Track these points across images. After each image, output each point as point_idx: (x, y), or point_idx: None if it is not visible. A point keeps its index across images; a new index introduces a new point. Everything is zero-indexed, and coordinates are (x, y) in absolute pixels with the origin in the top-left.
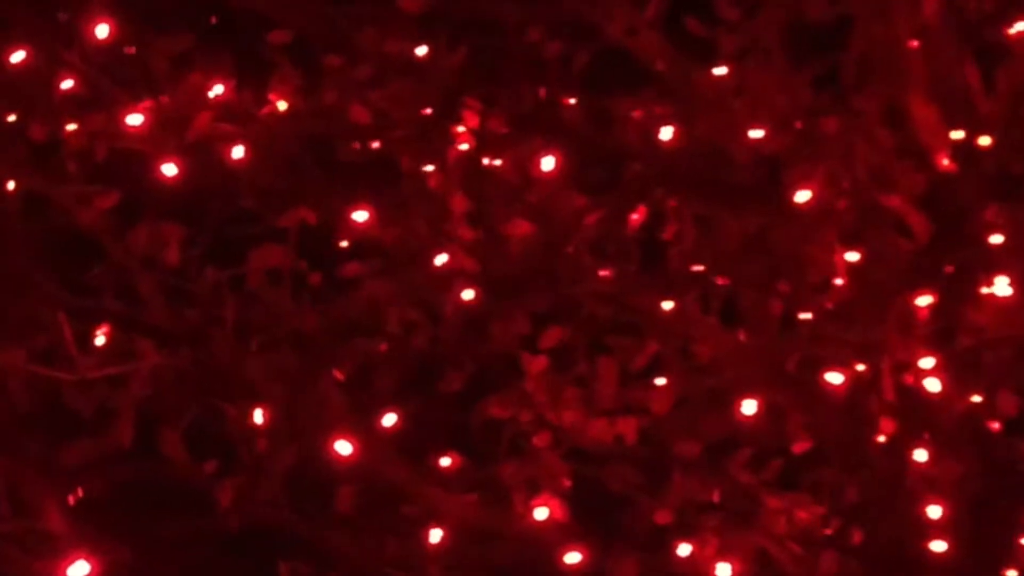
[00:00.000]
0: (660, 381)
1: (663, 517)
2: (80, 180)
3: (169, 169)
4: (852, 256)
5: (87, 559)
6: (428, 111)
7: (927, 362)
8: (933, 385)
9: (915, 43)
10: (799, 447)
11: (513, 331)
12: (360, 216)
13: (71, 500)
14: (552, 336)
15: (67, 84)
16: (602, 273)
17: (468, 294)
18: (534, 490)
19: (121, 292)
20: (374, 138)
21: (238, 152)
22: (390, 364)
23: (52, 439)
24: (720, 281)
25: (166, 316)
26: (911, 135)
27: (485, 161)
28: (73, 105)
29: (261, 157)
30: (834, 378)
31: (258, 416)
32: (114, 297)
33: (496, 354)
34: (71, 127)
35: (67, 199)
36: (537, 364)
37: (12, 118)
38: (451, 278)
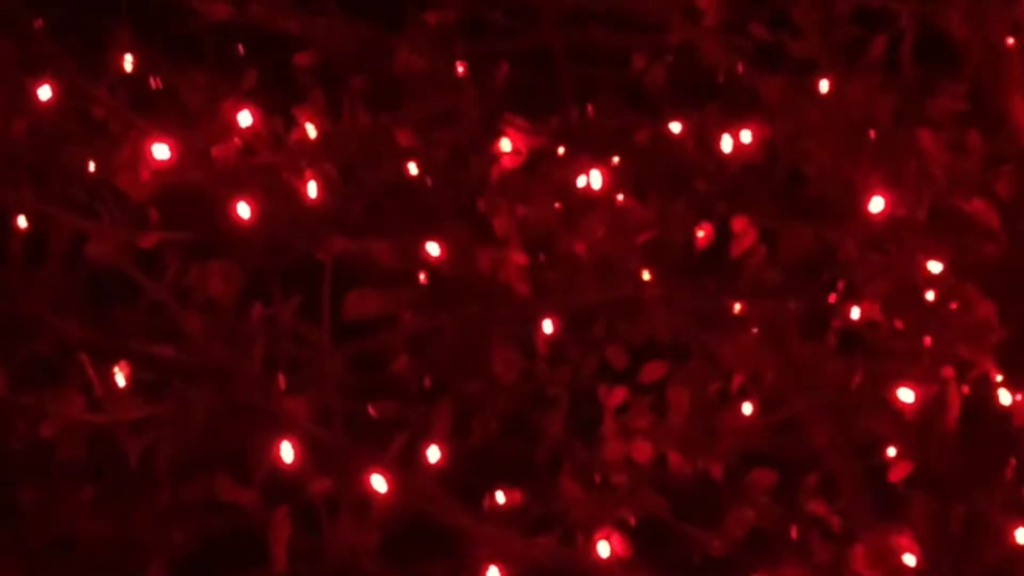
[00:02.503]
0: (746, 408)
1: (734, 552)
2: (114, 216)
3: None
4: (935, 267)
5: None
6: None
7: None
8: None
9: (1011, 41)
10: (896, 474)
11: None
12: (434, 249)
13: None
14: (655, 370)
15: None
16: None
17: (548, 326)
18: (597, 525)
19: (153, 331)
20: (414, 159)
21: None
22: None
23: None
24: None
25: (211, 354)
26: (1006, 137)
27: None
28: (104, 139)
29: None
30: (907, 395)
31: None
32: (145, 336)
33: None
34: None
35: (105, 238)
36: (615, 397)
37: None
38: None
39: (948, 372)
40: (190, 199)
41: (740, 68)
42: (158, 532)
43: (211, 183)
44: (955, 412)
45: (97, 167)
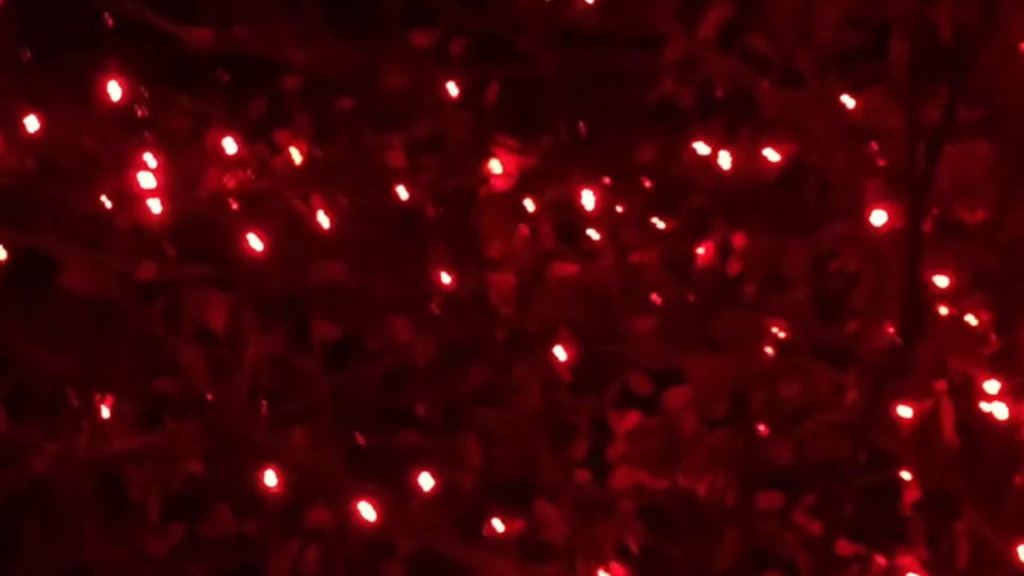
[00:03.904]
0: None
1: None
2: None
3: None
4: (941, 281)
5: None
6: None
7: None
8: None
9: None
10: (910, 496)
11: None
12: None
13: None
14: (679, 395)
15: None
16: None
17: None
18: (599, 555)
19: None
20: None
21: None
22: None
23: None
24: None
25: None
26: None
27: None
28: (93, 169)
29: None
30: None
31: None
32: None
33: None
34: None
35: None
36: (628, 422)
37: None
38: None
39: (941, 386)
40: (183, 229)
41: (761, 85)
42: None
43: (202, 212)
44: (950, 426)
45: (88, 198)
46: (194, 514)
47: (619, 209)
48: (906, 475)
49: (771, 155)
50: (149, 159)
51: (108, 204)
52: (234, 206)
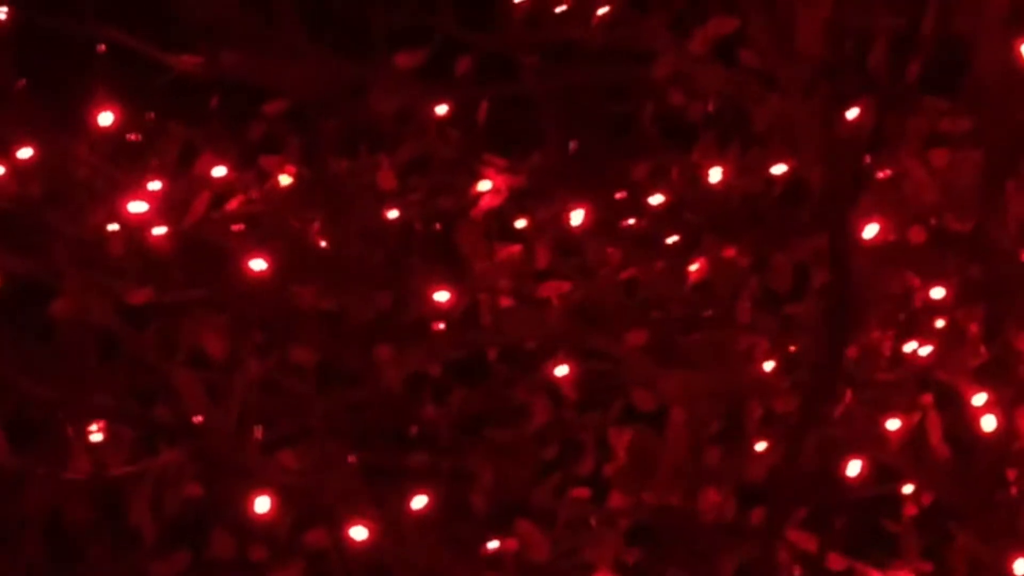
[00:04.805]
0: (760, 447)
1: None
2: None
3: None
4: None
5: None
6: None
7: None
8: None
9: None
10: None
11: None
12: (442, 296)
13: None
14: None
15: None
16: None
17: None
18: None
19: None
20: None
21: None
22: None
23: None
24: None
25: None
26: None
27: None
28: (85, 195)
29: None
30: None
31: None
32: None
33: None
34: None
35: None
36: (624, 439)
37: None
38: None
39: (927, 399)
40: (176, 253)
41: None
42: None
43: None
44: (936, 439)
45: (79, 224)
46: (196, 539)
47: (610, 226)
48: (907, 488)
49: (765, 170)
50: (141, 184)
51: (101, 230)
52: (228, 230)
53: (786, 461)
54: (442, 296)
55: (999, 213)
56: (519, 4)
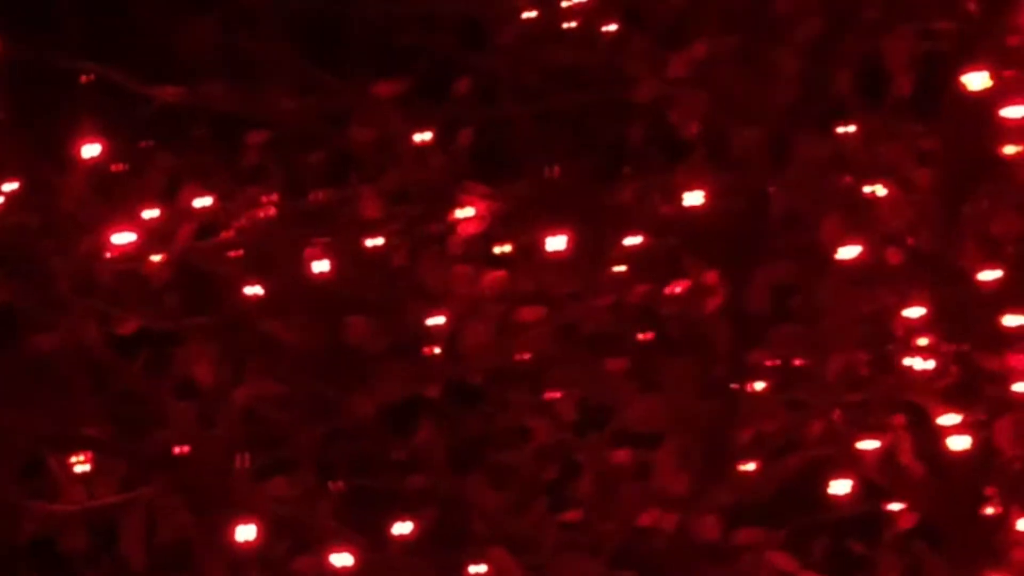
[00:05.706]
0: (749, 467)
1: None
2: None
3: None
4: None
5: None
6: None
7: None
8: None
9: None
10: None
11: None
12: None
13: None
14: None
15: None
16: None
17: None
18: None
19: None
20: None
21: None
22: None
23: None
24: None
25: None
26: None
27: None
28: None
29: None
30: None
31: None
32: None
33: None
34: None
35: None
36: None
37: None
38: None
39: (899, 420)
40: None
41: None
42: None
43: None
44: (908, 459)
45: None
46: (186, 566)
47: (591, 251)
48: (895, 506)
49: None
50: (128, 215)
51: (88, 261)
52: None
53: (769, 482)
54: (435, 320)
55: (958, 235)
56: (511, 27)
